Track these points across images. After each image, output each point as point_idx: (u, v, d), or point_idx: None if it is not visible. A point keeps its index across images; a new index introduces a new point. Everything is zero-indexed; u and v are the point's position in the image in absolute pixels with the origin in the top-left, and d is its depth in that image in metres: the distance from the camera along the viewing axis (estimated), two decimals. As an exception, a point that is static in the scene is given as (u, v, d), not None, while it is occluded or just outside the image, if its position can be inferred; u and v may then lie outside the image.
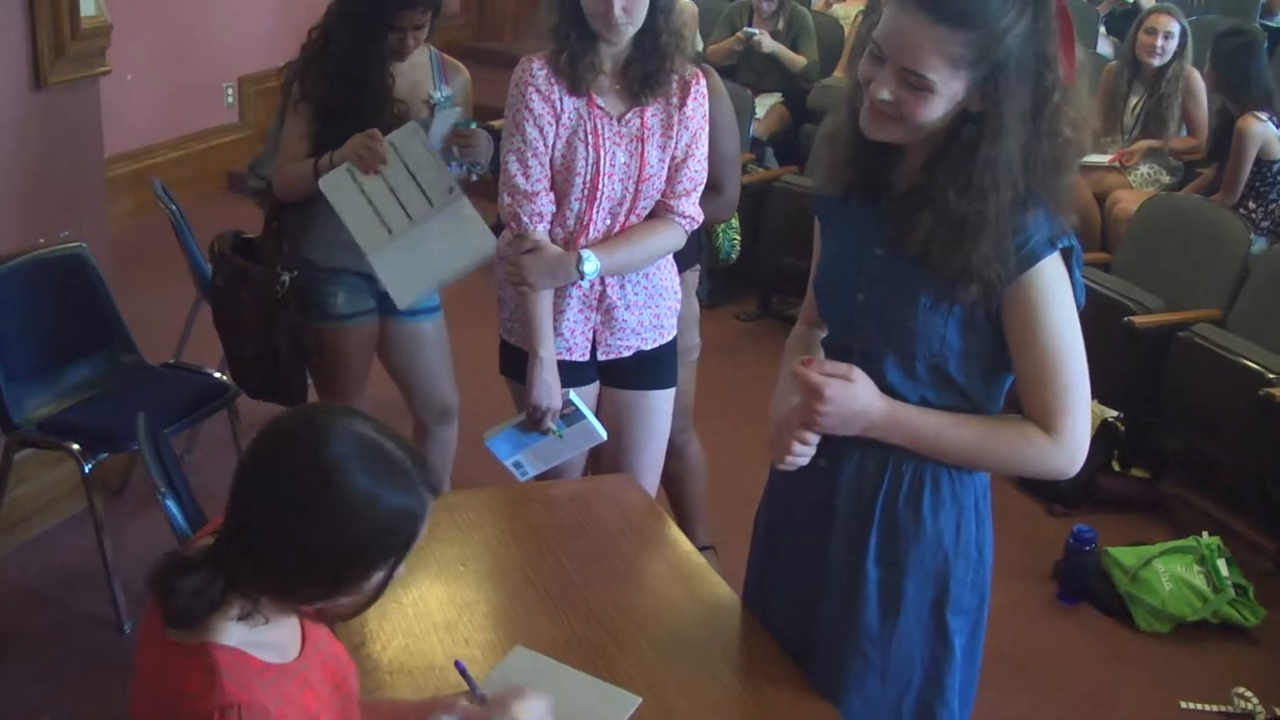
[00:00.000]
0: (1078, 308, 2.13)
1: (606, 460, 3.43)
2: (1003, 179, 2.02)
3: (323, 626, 1.96)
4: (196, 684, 1.68)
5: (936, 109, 2.03)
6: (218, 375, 4.36)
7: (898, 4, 2.04)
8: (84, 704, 3.62)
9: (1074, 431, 2.13)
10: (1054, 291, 2.09)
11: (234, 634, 1.73)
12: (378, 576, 1.78)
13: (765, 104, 7.31)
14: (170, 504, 2.90)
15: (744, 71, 7.42)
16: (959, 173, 2.04)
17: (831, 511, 2.28)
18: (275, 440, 1.75)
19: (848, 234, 2.28)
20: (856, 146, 2.20)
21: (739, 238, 4.82)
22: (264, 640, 1.77)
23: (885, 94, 2.04)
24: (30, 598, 4.08)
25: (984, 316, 2.12)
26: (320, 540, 1.70)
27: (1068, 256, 2.10)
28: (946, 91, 2.02)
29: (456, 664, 2.19)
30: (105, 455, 4.00)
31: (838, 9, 8.53)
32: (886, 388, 2.20)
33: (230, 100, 8.01)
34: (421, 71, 3.83)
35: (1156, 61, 6.36)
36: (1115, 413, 4.78)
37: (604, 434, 3.28)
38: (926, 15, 1.99)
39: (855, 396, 2.14)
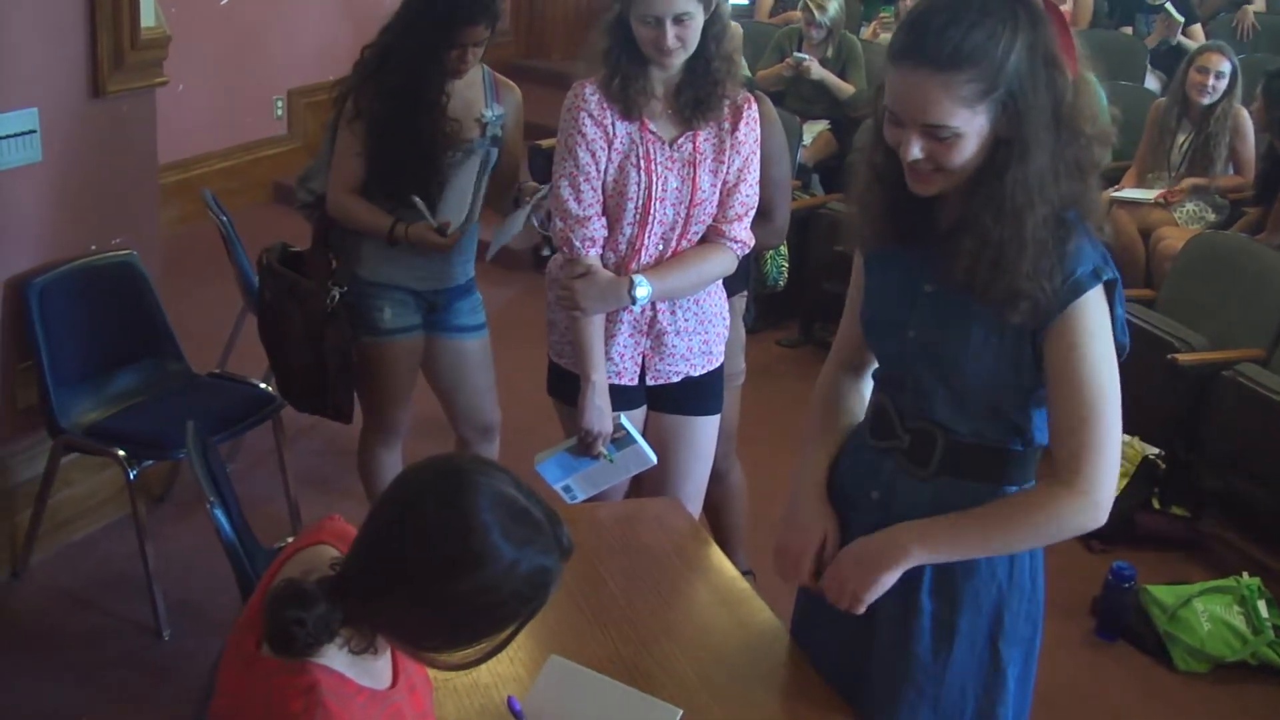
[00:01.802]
0: (1123, 347, 2.12)
1: (650, 485, 3.43)
2: (1035, 196, 2.02)
3: None
4: (298, 703, 1.68)
5: (969, 148, 2.04)
6: (263, 386, 4.39)
7: (895, 66, 2.05)
8: (122, 708, 3.65)
9: (1098, 475, 2.10)
10: (1095, 326, 2.08)
11: (335, 658, 1.73)
12: (502, 635, 1.77)
13: (812, 131, 7.31)
14: (218, 513, 2.91)
15: (791, 98, 7.43)
16: (992, 198, 2.03)
17: None
18: (420, 496, 1.73)
19: (896, 270, 2.27)
20: (891, 204, 2.20)
21: (787, 264, 4.82)
22: (361, 665, 1.77)
23: (916, 153, 2.05)
24: (71, 601, 4.11)
25: (1031, 351, 2.12)
26: (457, 601, 1.69)
27: (1110, 290, 2.09)
28: (972, 129, 2.02)
29: (509, 702, 2.21)
30: (150, 462, 4.03)
31: (885, 37, 8.52)
32: (938, 421, 2.21)
33: (280, 113, 8.06)
34: (474, 90, 3.85)
35: (1206, 100, 6.34)
36: (1156, 450, 4.76)
37: (654, 458, 3.29)
38: (925, 68, 2.00)
39: (860, 562, 2.22)
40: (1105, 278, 2.07)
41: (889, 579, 2.20)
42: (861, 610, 2.23)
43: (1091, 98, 2.09)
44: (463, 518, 1.68)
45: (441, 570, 1.68)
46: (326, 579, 1.74)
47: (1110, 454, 2.10)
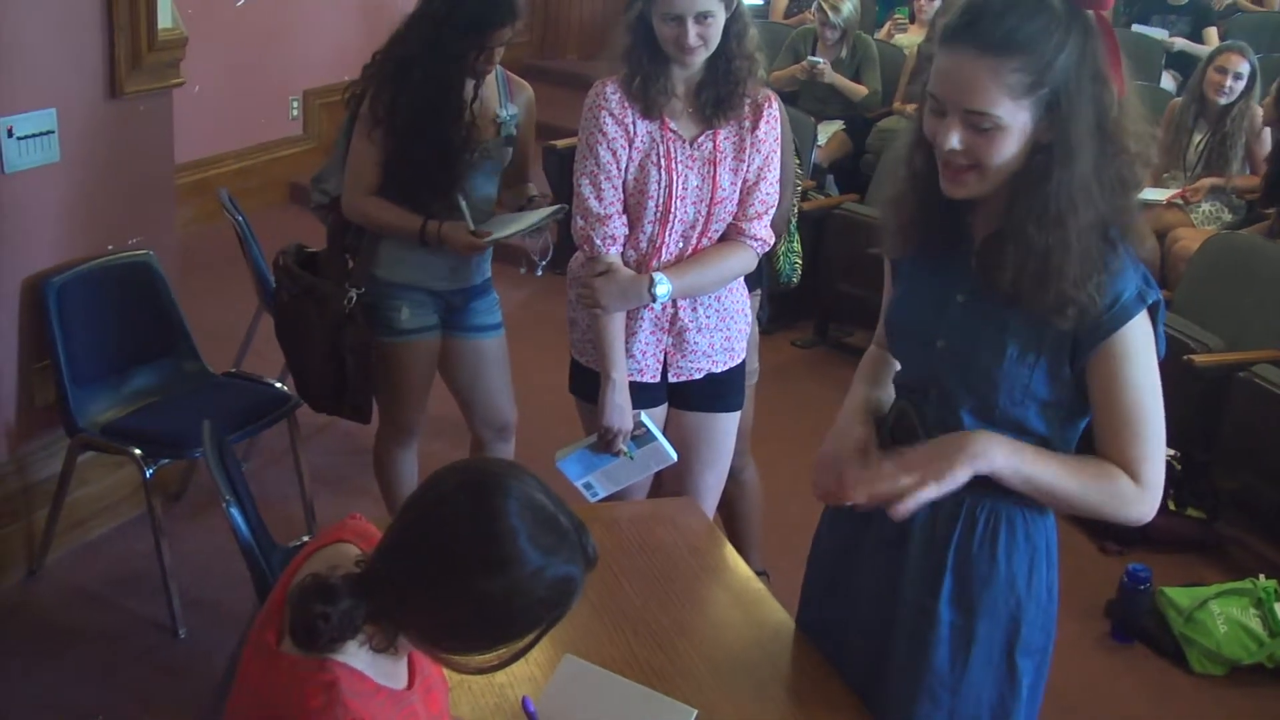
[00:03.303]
0: (1159, 359, 2.11)
1: (670, 482, 3.44)
2: (1080, 201, 2.00)
3: None
4: (318, 699, 1.68)
5: (1009, 146, 2.01)
6: (278, 385, 4.40)
7: (944, 48, 2.03)
8: (137, 706, 3.65)
9: (1154, 480, 2.12)
10: (1140, 348, 2.07)
11: (356, 655, 1.74)
12: (524, 641, 1.78)
13: (827, 131, 7.31)
14: (234, 512, 2.92)
15: (806, 98, 7.43)
16: (1035, 203, 2.01)
17: (904, 552, 2.27)
18: (450, 497, 1.73)
19: (926, 275, 2.26)
20: (925, 205, 2.18)
21: (800, 260, 4.81)
22: (379, 664, 1.78)
23: (954, 142, 2.02)
24: (87, 599, 4.12)
25: (1069, 369, 2.11)
26: (481, 602, 1.69)
27: (1154, 311, 2.08)
28: (1014, 125, 1.99)
29: (524, 703, 2.21)
30: (166, 461, 4.04)
31: (899, 38, 8.53)
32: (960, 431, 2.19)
33: (295, 113, 8.08)
34: (490, 90, 3.84)
35: (1223, 100, 6.33)
36: (1172, 451, 4.74)
37: (674, 455, 3.30)
38: (973, 50, 1.98)
39: (937, 451, 2.12)
40: (1150, 301, 2.07)
41: (963, 473, 2.08)
42: (906, 511, 2.08)
43: (1137, 117, 2.07)
44: (491, 520, 1.69)
45: (467, 571, 1.68)
46: (352, 575, 1.75)
47: (1161, 462, 2.12)
